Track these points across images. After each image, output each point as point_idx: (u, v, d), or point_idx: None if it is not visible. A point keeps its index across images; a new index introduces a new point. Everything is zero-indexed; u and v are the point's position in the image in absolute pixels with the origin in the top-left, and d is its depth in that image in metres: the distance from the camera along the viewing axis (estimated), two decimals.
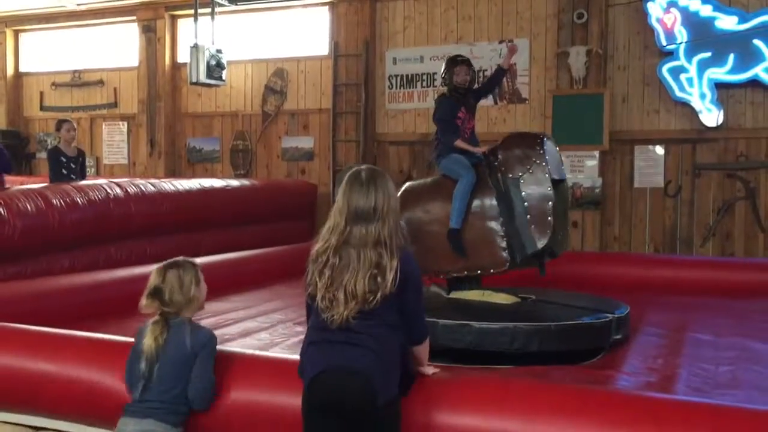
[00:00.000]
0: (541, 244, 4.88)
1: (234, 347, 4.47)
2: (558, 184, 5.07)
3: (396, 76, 9.49)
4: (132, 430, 2.82)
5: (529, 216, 4.89)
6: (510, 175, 4.98)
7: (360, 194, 2.54)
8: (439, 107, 5.45)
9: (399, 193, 5.52)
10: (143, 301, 2.96)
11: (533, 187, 4.90)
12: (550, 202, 4.84)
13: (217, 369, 3.05)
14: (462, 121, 5.37)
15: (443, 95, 5.52)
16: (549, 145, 5.09)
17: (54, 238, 5.64)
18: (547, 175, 4.89)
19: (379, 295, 2.48)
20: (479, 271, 5.06)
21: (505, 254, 4.94)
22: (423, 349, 2.76)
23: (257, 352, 3.61)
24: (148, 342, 2.90)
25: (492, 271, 5.03)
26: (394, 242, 2.53)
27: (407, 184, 5.69)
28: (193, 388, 2.92)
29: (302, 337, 2.81)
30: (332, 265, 2.52)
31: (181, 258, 3.09)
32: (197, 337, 2.95)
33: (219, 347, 3.22)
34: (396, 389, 2.56)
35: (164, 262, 3.07)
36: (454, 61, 5.44)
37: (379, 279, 2.48)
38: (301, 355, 2.65)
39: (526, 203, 4.90)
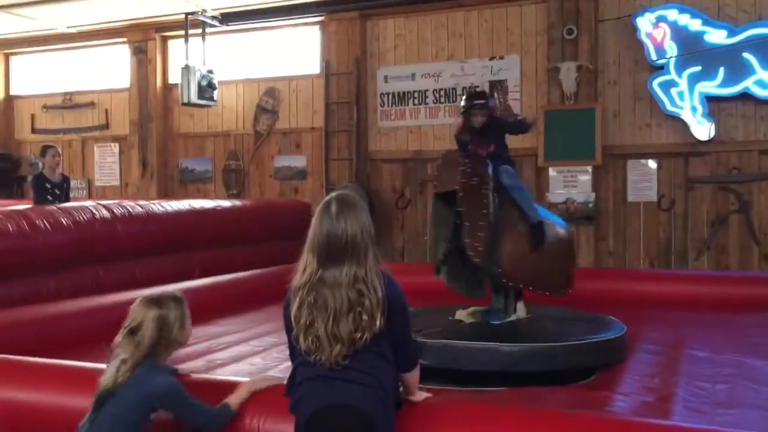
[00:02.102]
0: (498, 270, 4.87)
1: (226, 373, 4.44)
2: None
3: (387, 93, 9.49)
4: None
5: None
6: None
7: (331, 226, 2.45)
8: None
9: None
10: (119, 338, 2.72)
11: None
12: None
13: (202, 397, 3.00)
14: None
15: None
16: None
17: (38, 260, 5.57)
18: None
19: (368, 334, 2.41)
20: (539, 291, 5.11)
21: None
22: (413, 377, 2.69)
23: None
24: (107, 378, 2.66)
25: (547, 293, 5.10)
26: (374, 274, 2.45)
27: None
28: (201, 428, 2.77)
29: None
30: (309, 304, 2.45)
31: (168, 294, 2.82)
32: (158, 387, 2.68)
33: (210, 375, 3.18)
34: (393, 422, 2.51)
35: (148, 298, 2.79)
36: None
37: (365, 317, 2.40)
38: (292, 392, 2.56)
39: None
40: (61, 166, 7.68)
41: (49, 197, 7.10)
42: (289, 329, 2.55)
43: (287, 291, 2.55)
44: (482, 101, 5.27)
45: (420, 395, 2.77)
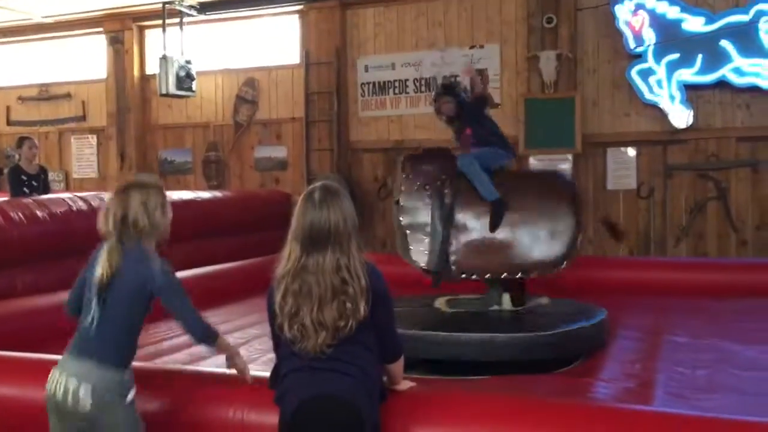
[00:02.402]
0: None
1: (209, 365, 4.41)
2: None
3: (368, 83, 9.45)
4: (72, 372, 2.62)
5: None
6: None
7: (314, 214, 2.45)
8: None
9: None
10: (101, 223, 2.73)
11: None
12: None
13: (186, 388, 2.98)
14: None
15: None
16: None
17: (14, 253, 5.47)
18: None
19: (352, 321, 2.41)
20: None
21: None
22: (397, 367, 2.69)
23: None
24: (101, 268, 2.67)
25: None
26: (357, 262, 2.46)
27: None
28: (184, 326, 2.78)
29: None
30: (294, 292, 2.44)
31: (144, 177, 2.87)
32: (152, 271, 2.70)
33: (194, 367, 3.15)
34: (378, 413, 2.51)
35: (125, 183, 2.82)
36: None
37: (348, 305, 2.40)
38: (276, 384, 2.56)
39: None
40: (38, 157, 7.57)
41: (25, 189, 7.00)
42: (273, 319, 2.53)
43: (272, 281, 2.54)
44: (440, 91, 5.56)
45: (404, 384, 2.78)
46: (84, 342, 2.69)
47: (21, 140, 7.28)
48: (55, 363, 3.39)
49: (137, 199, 2.73)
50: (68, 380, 2.61)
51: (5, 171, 8.63)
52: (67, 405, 2.60)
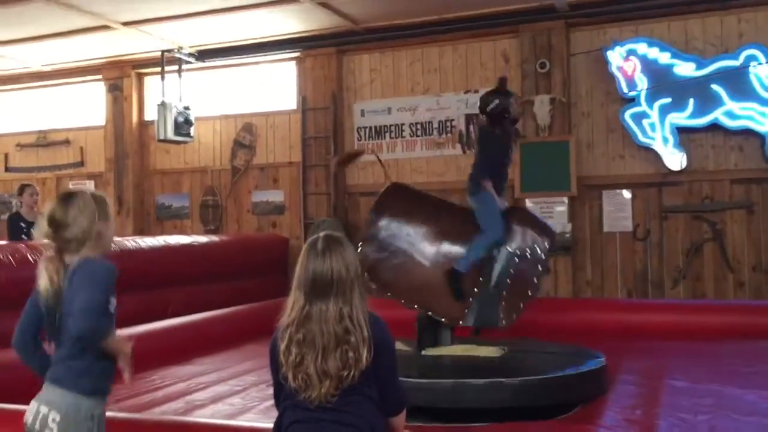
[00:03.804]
0: (503, 324, 4.91)
1: (206, 414, 4.37)
2: None
3: (365, 127, 9.54)
4: (44, 400, 2.49)
5: (504, 293, 4.91)
6: (509, 248, 5.04)
7: (317, 263, 2.45)
8: (490, 144, 5.21)
9: (387, 188, 5.60)
10: (43, 228, 2.61)
11: (523, 271, 4.98)
12: (530, 292, 4.94)
13: None
14: (506, 166, 5.34)
15: (492, 131, 5.21)
16: (548, 245, 5.17)
17: (4, 297, 5.41)
18: (540, 268, 5.00)
19: (355, 371, 2.39)
20: (429, 313, 5.06)
21: (463, 313, 5.00)
22: (399, 420, 2.65)
23: (227, 422, 3.49)
24: (43, 284, 2.53)
25: (442, 320, 5.05)
26: (360, 312, 2.46)
27: (399, 184, 5.71)
28: (78, 313, 2.41)
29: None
30: (298, 341, 2.44)
31: (86, 189, 2.71)
32: (96, 263, 2.55)
33: (187, 418, 3.13)
34: None
35: (67, 191, 2.70)
36: (508, 93, 5.26)
37: (351, 354, 2.39)
38: None
39: (508, 280, 4.95)
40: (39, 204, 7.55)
41: (23, 237, 6.97)
42: (276, 368, 2.51)
43: (275, 330, 2.53)
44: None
45: None
46: (54, 368, 2.56)
47: (22, 187, 7.28)
48: None
49: (79, 208, 2.60)
50: (40, 408, 2.51)
51: (3, 218, 8.63)
52: None
